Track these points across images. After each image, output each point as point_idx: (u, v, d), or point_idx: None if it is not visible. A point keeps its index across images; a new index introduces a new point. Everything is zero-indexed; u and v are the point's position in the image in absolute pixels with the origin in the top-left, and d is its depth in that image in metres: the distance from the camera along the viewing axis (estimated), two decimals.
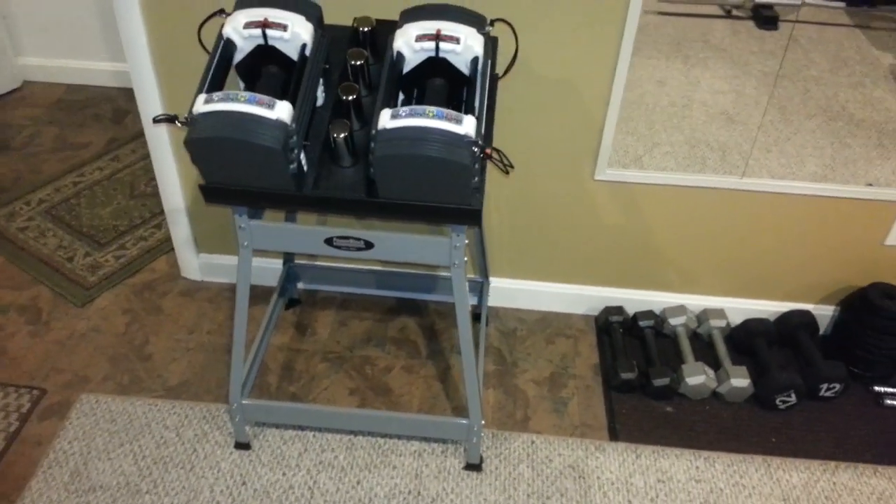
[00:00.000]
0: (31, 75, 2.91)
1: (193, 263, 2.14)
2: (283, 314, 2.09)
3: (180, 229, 2.07)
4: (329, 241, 1.44)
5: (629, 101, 2.10)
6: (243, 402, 1.69)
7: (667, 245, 1.98)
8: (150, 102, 1.81)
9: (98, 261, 2.22)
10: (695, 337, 2.06)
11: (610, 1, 1.57)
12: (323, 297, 2.15)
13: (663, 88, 2.12)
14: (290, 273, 2.06)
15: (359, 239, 1.43)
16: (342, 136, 1.29)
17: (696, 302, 2.08)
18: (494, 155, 1.26)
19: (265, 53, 1.37)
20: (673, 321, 2.03)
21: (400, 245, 1.44)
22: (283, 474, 1.71)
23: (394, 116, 1.22)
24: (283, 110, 1.23)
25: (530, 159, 1.84)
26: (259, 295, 2.13)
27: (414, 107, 1.22)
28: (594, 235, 1.98)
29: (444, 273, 2.09)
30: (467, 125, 1.21)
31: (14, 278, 2.15)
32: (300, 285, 2.14)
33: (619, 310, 2.07)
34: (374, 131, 1.23)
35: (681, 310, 2.04)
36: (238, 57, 1.38)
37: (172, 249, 2.21)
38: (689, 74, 2.15)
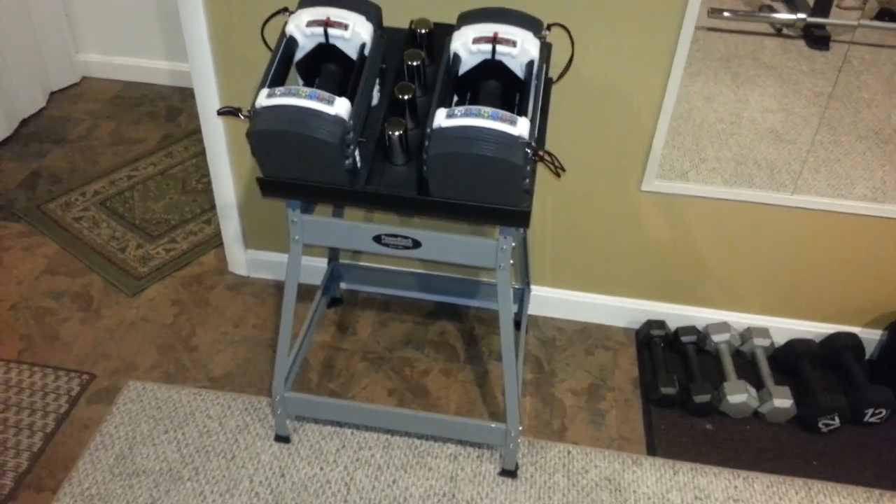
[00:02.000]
0: (90, 71, 3.00)
1: (241, 259, 2.19)
2: (325, 313, 2.12)
3: (230, 224, 2.11)
4: (378, 239, 1.47)
5: (677, 116, 2.10)
6: (285, 394, 1.71)
7: (712, 260, 1.96)
8: (209, 97, 1.86)
9: (149, 252, 2.28)
10: (737, 355, 2.03)
11: (665, 8, 1.58)
12: (364, 297, 2.17)
13: (711, 104, 2.11)
14: (334, 272, 2.09)
15: (407, 237, 1.45)
16: (397, 133, 1.32)
17: (740, 319, 2.05)
18: (547, 157, 1.27)
19: (325, 52, 1.40)
20: (716, 338, 2.00)
21: (447, 245, 1.45)
22: (321, 469, 1.73)
23: (449, 116, 1.24)
24: (341, 106, 1.26)
25: (577, 167, 1.85)
26: (302, 293, 2.17)
27: (469, 107, 1.24)
28: (638, 247, 1.97)
29: (485, 278, 2.10)
30: (521, 127, 1.23)
31: (68, 266, 2.21)
32: (343, 285, 2.17)
33: (660, 324, 2.05)
34: (429, 130, 1.25)
35: (724, 327, 2.01)
36: (299, 55, 1.41)
37: (221, 244, 2.26)
38: (737, 91, 2.14)
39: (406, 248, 1.47)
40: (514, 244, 1.43)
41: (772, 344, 2.01)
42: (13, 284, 2.13)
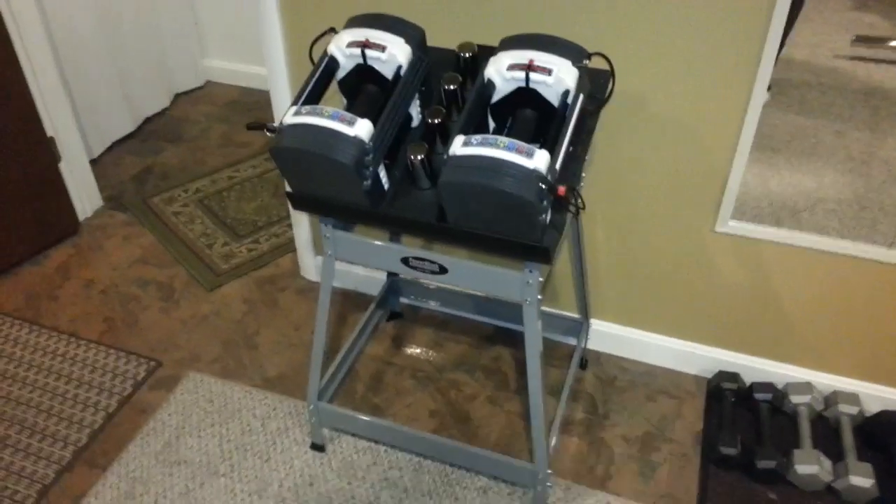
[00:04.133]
0: (213, 76, 3.21)
1: (311, 264, 2.24)
2: (383, 326, 2.12)
3: (302, 231, 2.17)
4: (405, 261, 1.44)
5: (798, 151, 1.92)
6: (320, 405, 1.73)
7: (797, 313, 1.77)
8: (283, 108, 1.92)
9: (233, 251, 2.39)
10: (819, 420, 1.82)
11: (742, 36, 1.44)
12: (424, 314, 2.16)
13: (841, 140, 1.92)
14: (393, 286, 2.09)
15: (434, 262, 1.42)
16: (419, 158, 1.29)
17: (826, 381, 1.83)
18: (568, 194, 1.19)
19: (365, 72, 1.40)
20: (795, 399, 1.80)
21: (473, 273, 1.40)
22: (349, 483, 1.73)
23: (465, 143, 1.20)
24: (362, 128, 1.25)
25: (644, 202, 1.73)
26: (365, 303, 2.18)
27: (486, 136, 1.19)
28: (713, 291, 1.82)
29: (547, 308, 2.02)
30: (538, 160, 1.16)
31: (159, 257, 2.37)
32: (402, 299, 2.16)
33: (734, 377, 1.88)
34: (445, 156, 1.21)
35: (806, 387, 1.81)
36: (340, 74, 1.42)
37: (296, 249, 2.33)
38: (875, 128, 1.93)
39: (433, 272, 1.43)
40: (541, 279, 1.36)
41: (860, 412, 1.78)
42: (108, 269, 2.31)
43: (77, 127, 2.42)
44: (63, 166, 2.37)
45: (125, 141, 2.88)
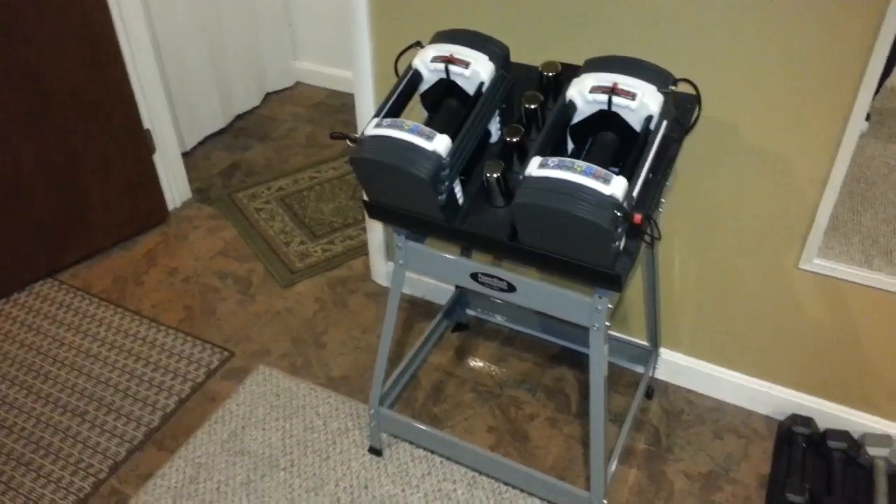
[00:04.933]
0: (303, 77, 3.30)
1: (382, 269, 2.28)
2: (448, 336, 2.13)
3: (375, 236, 2.21)
4: (475, 276, 1.45)
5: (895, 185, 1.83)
6: (381, 410, 1.75)
7: (881, 360, 1.68)
8: (366, 113, 1.97)
9: (308, 250, 2.45)
10: None
11: (841, 63, 1.38)
12: (490, 327, 2.15)
13: None
14: (461, 297, 2.10)
15: (502, 280, 1.42)
16: (494, 176, 1.29)
17: None
18: (644, 222, 1.17)
19: (447, 87, 1.41)
20: (872, 450, 1.71)
21: (541, 294, 1.40)
22: (402, 490, 1.75)
23: (542, 165, 1.19)
24: (440, 143, 1.26)
25: (725, 232, 1.68)
26: (432, 312, 2.20)
27: (563, 158, 1.18)
28: (792, 330, 1.74)
29: (615, 332, 1.98)
30: (615, 186, 1.14)
31: (240, 251, 2.45)
32: (469, 311, 2.17)
33: (807, 421, 1.79)
34: (521, 177, 1.21)
35: (885, 440, 1.71)
36: (423, 87, 1.44)
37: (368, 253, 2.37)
38: None
39: (501, 290, 1.43)
40: (610, 305, 1.34)
41: None
42: (192, 260, 2.41)
43: (172, 121, 2.54)
44: (157, 158, 2.49)
45: (217, 136, 3.00)
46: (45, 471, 1.78)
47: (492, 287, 1.44)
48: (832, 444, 1.75)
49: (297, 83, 3.32)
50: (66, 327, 2.17)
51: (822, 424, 1.82)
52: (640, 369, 1.99)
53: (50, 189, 2.23)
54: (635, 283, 1.87)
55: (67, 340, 2.12)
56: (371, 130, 1.30)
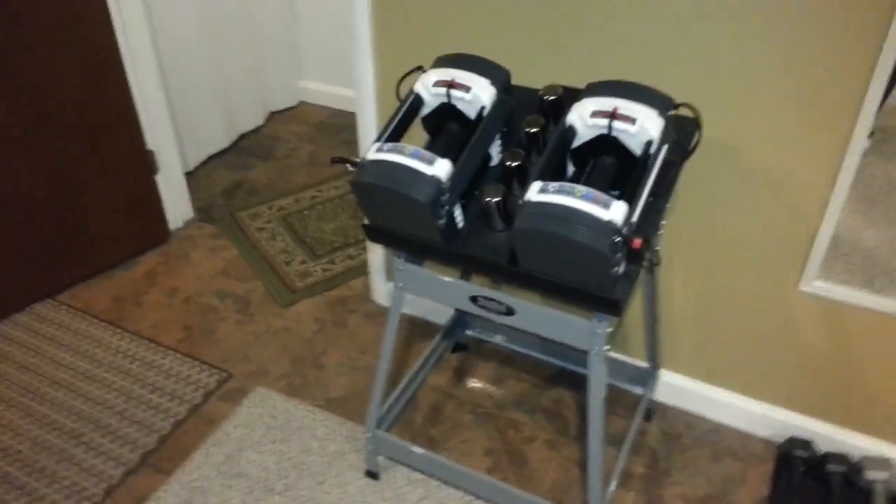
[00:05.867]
0: (306, 97, 3.32)
1: (382, 289, 2.28)
2: (447, 357, 2.13)
3: (375, 256, 2.21)
4: (474, 300, 1.45)
5: None
6: (378, 433, 1.74)
7: (880, 382, 1.67)
8: (368, 134, 1.98)
9: (309, 269, 2.45)
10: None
11: (843, 82, 1.39)
12: (489, 348, 2.15)
13: None
14: (461, 318, 2.09)
15: (501, 303, 1.42)
16: (494, 200, 1.29)
17: None
18: (643, 248, 1.17)
19: (448, 111, 1.42)
20: (871, 474, 1.70)
21: (540, 317, 1.40)
22: None
23: (542, 190, 1.20)
24: (441, 167, 1.27)
25: (726, 253, 1.68)
26: (431, 332, 2.20)
27: (564, 183, 1.19)
28: (792, 352, 1.74)
29: (615, 353, 1.98)
30: (615, 211, 1.15)
31: (240, 270, 2.45)
32: (469, 332, 2.16)
33: (806, 444, 1.79)
34: (520, 202, 1.21)
35: (884, 463, 1.70)
36: (424, 111, 1.45)
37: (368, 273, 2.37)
38: None
39: (500, 313, 1.43)
40: (610, 329, 1.34)
41: None
42: (193, 279, 2.41)
43: (176, 141, 2.55)
44: (160, 178, 2.50)
45: (220, 155, 3.02)
46: (39, 494, 1.77)
47: (491, 310, 1.44)
48: (831, 467, 1.74)
49: (301, 102, 3.35)
50: (64, 348, 2.16)
51: (822, 447, 1.81)
52: (639, 390, 1.99)
53: (50, 209, 2.24)
54: (635, 304, 1.87)
55: (66, 361, 2.12)
56: (372, 155, 1.31)
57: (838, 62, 1.37)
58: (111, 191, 2.35)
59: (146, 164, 2.43)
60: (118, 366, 2.10)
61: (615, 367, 1.97)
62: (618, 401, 1.99)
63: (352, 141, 3.08)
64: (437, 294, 1.51)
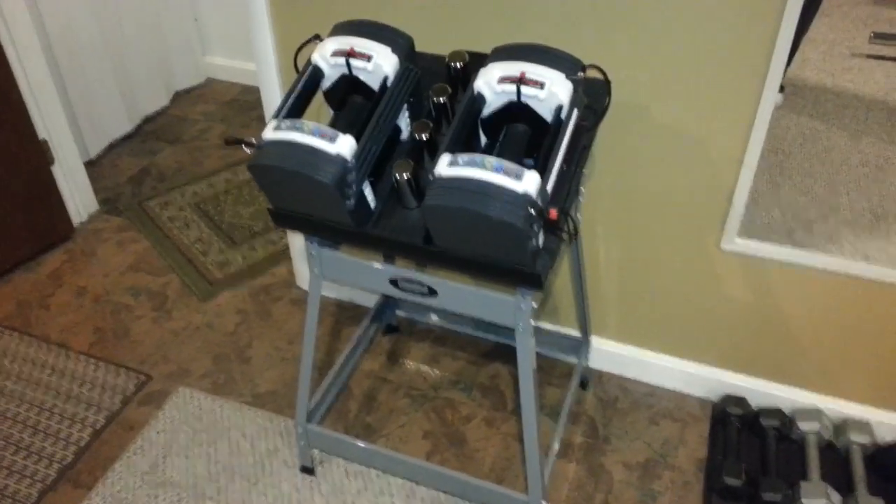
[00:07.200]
0: (214, 73, 3.15)
1: (306, 274, 2.18)
2: (378, 340, 2.06)
3: (297, 239, 2.11)
4: (394, 282, 1.37)
5: (811, 155, 1.84)
6: (309, 427, 1.67)
7: (807, 335, 1.68)
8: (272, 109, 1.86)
9: (228, 258, 2.33)
10: (828, 449, 1.73)
11: (750, 37, 1.35)
12: (422, 328, 2.09)
13: (856, 144, 1.83)
14: (389, 299, 2.02)
15: (423, 284, 1.35)
16: (404, 176, 1.21)
17: (837, 408, 1.74)
18: (559, 218, 1.12)
19: (351, 83, 1.33)
20: (803, 426, 1.71)
21: (464, 297, 1.33)
22: None
23: (451, 164, 1.12)
24: (344, 144, 1.18)
25: (647, 217, 1.65)
26: (360, 315, 2.12)
27: (473, 155, 1.12)
28: (719, 311, 1.73)
29: (546, 325, 1.94)
30: (527, 182, 1.08)
31: (153, 264, 2.31)
32: (399, 313, 2.09)
33: (740, 401, 1.79)
34: (430, 177, 1.14)
35: (815, 414, 1.72)
36: (326, 84, 1.35)
37: None
38: (892, 132, 1.85)
39: (423, 294, 1.36)
40: (534, 304, 1.28)
41: (872, 442, 1.69)
42: (100, 277, 2.26)
43: (72, 127, 2.37)
44: (56, 169, 2.32)
45: (124, 141, 2.83)
46: None
47: (413, 292, 1.37)
48: (765, 422, 1.75)
49: (209, 79, 3.17)
50: None
51: (756, 403, 1.82)
52: (572, 360, 1.96)
53: None
54: (563, 274, 1.83)
55: None
56: (269, 134, 1.21)
57: (745, 16, 1.33)
58: (3, 186, 2.17)
59: (39, 154, 2.25)
60: (28, 376, 1.96)
61: (547, 337, 1.93)
62: (552, 371, 1.96)
63: (260, 122, 2.94)
64: (355, 279, 1.43)
